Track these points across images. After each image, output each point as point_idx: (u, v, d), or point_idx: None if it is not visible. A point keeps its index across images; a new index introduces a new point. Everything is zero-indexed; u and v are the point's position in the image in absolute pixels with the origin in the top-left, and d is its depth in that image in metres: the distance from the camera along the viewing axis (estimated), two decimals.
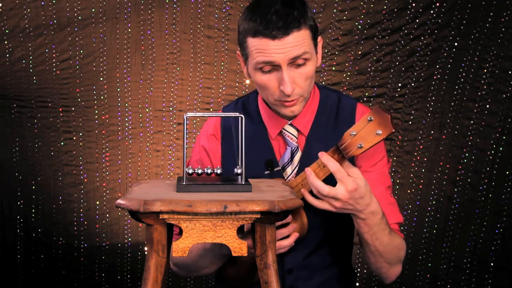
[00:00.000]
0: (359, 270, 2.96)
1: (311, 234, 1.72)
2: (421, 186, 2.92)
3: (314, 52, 1.65)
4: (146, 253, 1.61)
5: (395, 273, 1.75)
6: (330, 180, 1.55)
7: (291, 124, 1.74)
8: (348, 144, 1.54)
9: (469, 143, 2.85)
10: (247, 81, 2.97)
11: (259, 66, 1.62)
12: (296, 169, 1.73)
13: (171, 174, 3.00)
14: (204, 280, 3.03)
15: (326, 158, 1.54)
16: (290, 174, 1.73)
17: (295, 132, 1.74)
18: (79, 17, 2.89)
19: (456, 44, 2.84)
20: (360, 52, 2.90)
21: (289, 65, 1.61)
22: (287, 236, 1.64)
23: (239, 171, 1.39)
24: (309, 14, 1.63)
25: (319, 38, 1.69)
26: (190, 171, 1.39)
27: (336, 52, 2.90)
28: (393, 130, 1.51)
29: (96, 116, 2.96)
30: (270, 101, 1.70)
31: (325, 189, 1.52)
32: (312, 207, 1.68)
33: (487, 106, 2.82)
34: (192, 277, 3.02)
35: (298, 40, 1.59)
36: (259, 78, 1.65)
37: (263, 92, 1.68)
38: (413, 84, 2.90)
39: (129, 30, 2.93)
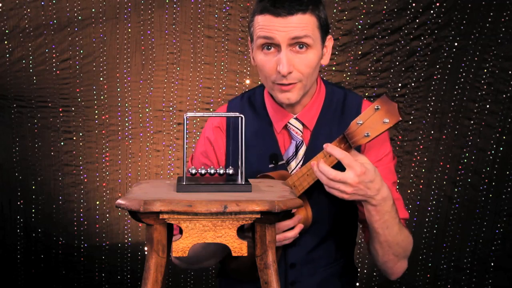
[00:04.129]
0: (359, 270, 2.95)
1: (315, 229, 1.71)
2: (421, 186, 2.92)
3: (319, 44, 1.65)
4: (146, 253, 1.61)
5: (401, 268, 1.74)
6: (338, 170, 1.54)
7: (296, 118, 1.74)
8: (355, 133, 1.54)
9: (469, 143, 2.84)
10: (247, 81, 2.96)
11: (260, 42, 1.63)
12: (301, 163, 1.73)
13: (171, 174, 3.00)
14: (204, 279, 3.03)
15: (331, 147, 1.54)
16: (295, 168, 1.73)
17: (300, 126, 1.74)
18: (79, 17, 2.89)
19: (456, 44, 2.84)
20: (360, 52, 2.90)
21: (290, 46, 1.62)
22: (292, 228, 1.63)
23: (230, 171, 1.39)
24: (321, 8, 1.65)
25: (329, 36, 1.70)
26: (194, 171, 1.39)
27: (336, 52, 2.90)
28: (400, 119, 1.50)
29: (96, 116, 2.96)
30: (268, 85, 1.70)
31: (332, 173, 1.51)
32: (317, 200, 1.67)
33: (487, 106, 2.82)
34: (193, 271, 3.02)
35: (301, 23, 1.60)
36: (259, 58, 1.65)
37: (262, 74, 1.69)
38: (413, 84, 2.89)
39: (129, 30, 2.92)
